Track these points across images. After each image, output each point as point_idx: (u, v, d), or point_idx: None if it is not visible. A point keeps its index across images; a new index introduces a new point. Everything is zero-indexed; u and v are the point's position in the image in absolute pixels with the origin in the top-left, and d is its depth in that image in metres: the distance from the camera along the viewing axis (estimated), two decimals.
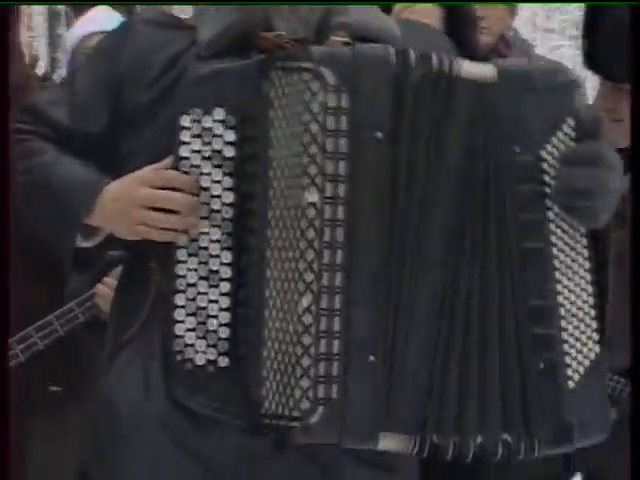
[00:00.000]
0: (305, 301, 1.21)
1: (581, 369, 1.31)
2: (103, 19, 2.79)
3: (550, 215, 1.29)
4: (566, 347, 1.29)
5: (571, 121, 1.30)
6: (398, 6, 2.19)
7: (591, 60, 2.07)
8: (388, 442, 1.24)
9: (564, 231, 1.30)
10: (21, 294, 1.54)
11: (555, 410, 1.28)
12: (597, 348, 1.33)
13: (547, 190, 1.28)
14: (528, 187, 1.28)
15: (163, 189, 1.26)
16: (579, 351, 1.31)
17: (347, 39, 1.31)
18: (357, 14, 1.36)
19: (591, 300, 1.32)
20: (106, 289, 1.98)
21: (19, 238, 1.41)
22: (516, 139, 1.28)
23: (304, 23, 1.34)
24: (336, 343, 1.21)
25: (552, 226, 1.29)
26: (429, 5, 2.15)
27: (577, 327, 1.31)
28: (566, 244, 1.30)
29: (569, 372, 1.30)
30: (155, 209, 1.26)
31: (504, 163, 1.28)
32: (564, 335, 1.29)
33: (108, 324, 1.42)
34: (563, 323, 1.30)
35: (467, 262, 1.27)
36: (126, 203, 1.28)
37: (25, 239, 1.53)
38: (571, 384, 1.30)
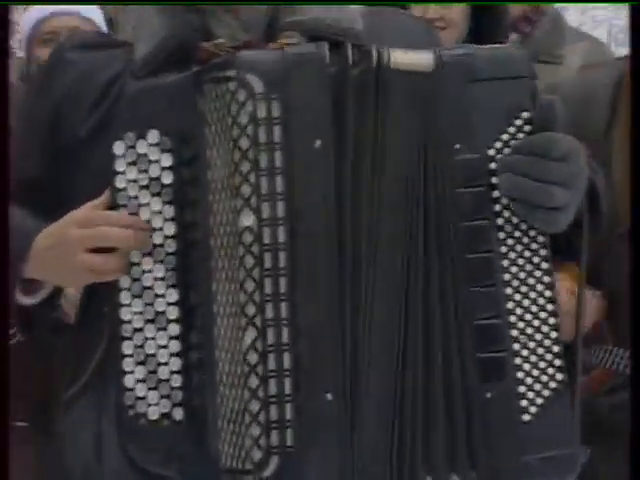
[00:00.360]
0: (248, 337, 1.06)
1: (539, 400, 1.12)
2: None
3: (499, 221, 1.12)
4: (520, 374, 1.11)
5: (525, 115, 1.13)
6: None
7: None
8: None
9: (517, 239, 1.13)
10: None
11: (507, 447, 1.10)
12: (559, 375, 1.13)
13: (495, 193, 1.11)
14: (472, 190, 1.12)
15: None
16: (536, 379, 1.12)
17: (295, 40, 1.16)
18: (314, 10, 1.21)
19: (552, 320, 1.13)
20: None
21: None
22: (458, 136, 1.12)
23: (248, 27, 1.21)
24: (287, 382, 1.06)
25: (502, 234, 1.12)
26: None
27: (533, 351, 1.12)
28: (520, 255, 1.13)
29: (523, 403, 1.11)
30: (94, 250, 1.13)
31: (443, 163, 1.12)
32: (517, 360, 1.11)
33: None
34: (516, 346, 1.11)
35: (413, 280, 1.11)
36: (61, 249, 1.15)
37: None
38: (526, 417, 1.11)
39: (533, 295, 1.14)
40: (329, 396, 1.07)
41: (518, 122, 1.12)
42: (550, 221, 1.10)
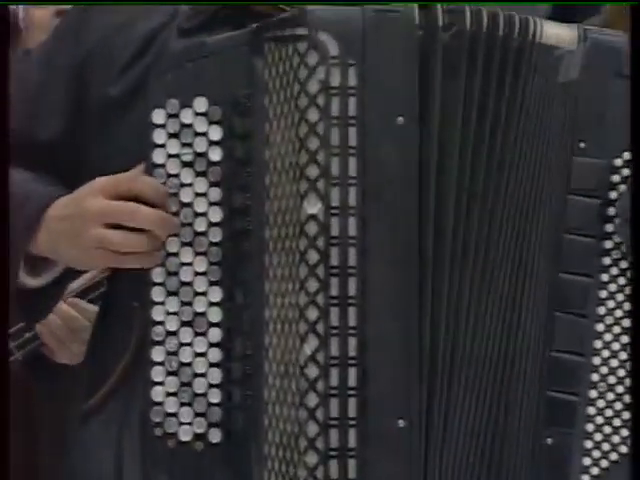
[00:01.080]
0: (308, 348, 0.90)
1: (603, 462, 0.99)
2: None
3: (607, 244, 1.01)
4: (590, 427, 0.99)
5: None
6: None
7: None
8: None
9: (622, 270, 1.02)
10: None
11: None
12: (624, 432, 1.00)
13: (611, 211, 1.00)
14: (585, 200, 1.00)
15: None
16: (606, 437, 0.99)
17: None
18: None
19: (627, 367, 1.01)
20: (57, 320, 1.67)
21: None
22: (586, 133, 0.99)
23: None
24: (351, 403, 0.90)
25: (607, 260, 1.01)
26: None
27: (611, 404, 1.00)
28: (621, 289, 1.02)
29: (586, 461, 0.99)
30: (115, 227, 0.96)
31: (561, 160, 0.98)
32: (590, 410, 0.99)
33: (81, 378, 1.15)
34: (593, 393, 0.99)
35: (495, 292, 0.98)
36: (77, 221, 0.98)
37: None
38: (585, 478, 0.99)
39: (625, 339, 1.00)
40: (401, 422, 0.91)
41: None
42: None
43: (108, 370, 1.04)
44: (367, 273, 0.90)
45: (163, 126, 0.96)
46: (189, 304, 0.96)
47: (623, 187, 0.98)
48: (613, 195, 0.98)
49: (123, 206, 0.95)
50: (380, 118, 0.91)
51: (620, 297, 0.99)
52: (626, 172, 0.98)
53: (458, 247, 0.94)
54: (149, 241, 0.95)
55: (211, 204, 0.96)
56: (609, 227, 0.99)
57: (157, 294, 0.96)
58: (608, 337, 1.00)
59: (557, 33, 0.98)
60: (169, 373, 0.96)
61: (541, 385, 0.98)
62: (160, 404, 0.95)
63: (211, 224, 0.96)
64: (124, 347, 1.02)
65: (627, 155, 0.98)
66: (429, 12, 0.93)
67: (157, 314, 0.96)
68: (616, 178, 0.99)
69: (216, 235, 0.96)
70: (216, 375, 0.95)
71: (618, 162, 0.99)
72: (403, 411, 0.91)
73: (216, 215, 0.96)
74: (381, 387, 0.90)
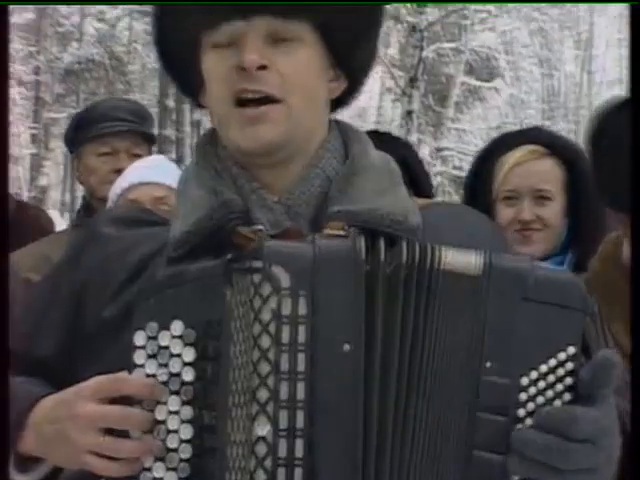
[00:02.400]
0: None
1: None
2: (162, 168, 2.54)
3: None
4: None
5: (572, 350, 1.02)
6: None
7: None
8: None
9: None
10: None
11: None
12: None
13: (517, 427, 1.01)
14: (491, 418, 1.01)
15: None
16: None
17: (341, 231, 1.06)
18: (367, 199, 1.13)
19: None
20: None
21: None
22: (492, 353, 1.01)
23: (293, 213, 1.14)
24: None
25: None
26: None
27: None
28: None
29: None
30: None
31: (468, 380, 1.01)
32: None
33: None
34: None
35: None
36: (68, 424, 1.04)
37: None
38: None
39: None
40: None
41: (562, 356, 1.01)
42: None
43: None
44: None
45: (143, 347, 1.04)
46: None
47: (530, 405, 1.00)
48: (521, 413, 0.99)
49: (116, 410, 1.02)
50: (327, 345, 0.96)
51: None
52: (533, 391, 1.00)
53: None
54: (139, 447, 1.01)
55: (182, 422, 1.01)
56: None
57: None
58: None
59: (465, 261, 1.02)
60: None
61: None
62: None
63: (182, 441, 1.01)
64: None
65: (534, 374, 1.00)
66: (374, 249, 1.00)
67: None
68: (523, 396, 1.00)
69: (185, 451, 1.01)
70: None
71: (524, 381, 1.00)
72: None
73: (187, 433, 1.01)
74: None
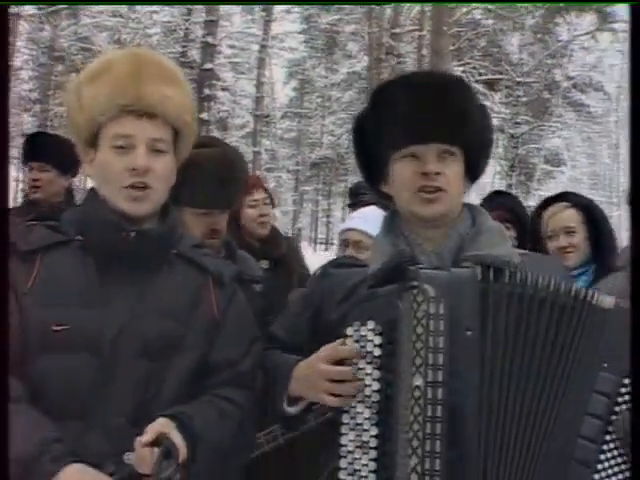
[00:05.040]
0: (412, 462, 1.59)
1: None
2: (368, 219, 3.25)
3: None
4: None
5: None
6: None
7: None
8: None
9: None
10: None
11: None
12: None
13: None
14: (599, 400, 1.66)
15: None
16: None
17: (469, 266, 1.71)
18: (486, 246, 1.78)
19: None
20: None
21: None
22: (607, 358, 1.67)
23: (442, 258, 1.79)
24: None
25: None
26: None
27: None
28: None
29: None
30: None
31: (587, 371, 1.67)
32: None
33: None
34: None
35: None
36: (313, 377, 1.78)
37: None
38: None
39: None
40: None
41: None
42: None
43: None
44: (451, 420, 1.59)
45: (351, 335, 1.74)
46: (359, 436, 1.70)
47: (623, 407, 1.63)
48: (619, 400, 1.64)
49: (339, 369, 1.75)
50: (457, 331, 1.61)
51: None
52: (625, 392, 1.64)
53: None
54: (350, 389, 1.72)
55: (373, 380, 1.70)
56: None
57: (344, 429, 1.72)
58: None
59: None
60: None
61: None
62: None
63: (373, 391, 1.70)
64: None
65: (627, 381, 1.64)
66: (486, 275, 1.67)
67: (343, 440, 1.72)
68: (623, 390, 1.65)
69: (375, 397, 1.69)
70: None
71: (626, 381, 1.63)
72: None
73: (375, 385, 1.70)
74: None
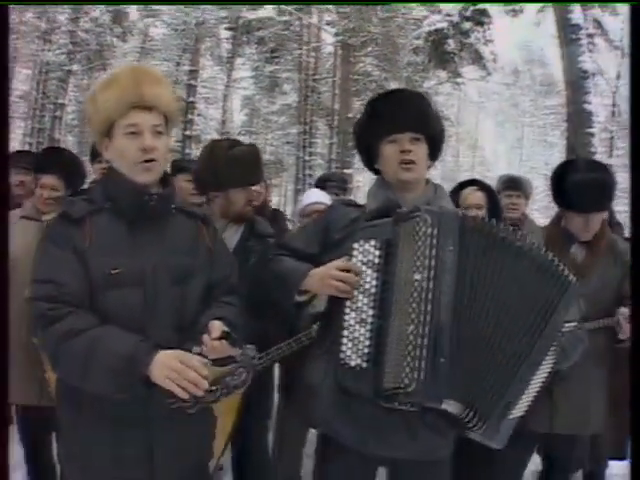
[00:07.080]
0: (411, 328, 2.30)
1: None
2: (321, 195, 4.58)
3: None
4: None
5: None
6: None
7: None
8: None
9: None
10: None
11: None
12: None
13: None
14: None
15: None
16: None
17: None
18: (446, 206, 2.60)
19: None
20: None
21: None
22: None
23: (414, 207, 2.55)
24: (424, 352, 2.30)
25: None
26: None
27: None
28: None
29: None
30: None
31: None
32: None
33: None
34: None
35: None
36: (324, 276, 2.45)
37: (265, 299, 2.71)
38: None
39: None
40: (442, 359, 2.30)
41: None
42: None
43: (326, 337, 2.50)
44: (438, 307, 2.32)
45: (357, 249, 2.44)
46: (361, 320, 2.37)
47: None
48: None
49: (344, 274, 2.43)
50: (444, 246, 2.36)
51: None
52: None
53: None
54: (354, 283, 2.40)
55: (373, 279, 2.40)
56: None
57: (348, 311, 2.39)
58: None
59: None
60: (350, 340, 2.36)
61: None
62: (345, 352, 2.37)
63: (373, 285, 2.39)
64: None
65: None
66: (464, 214, 2.47)
67: (346, 319, 2.38)
68: None
69: (373, 292, 2.39)
70: (368, 344, 2.36)
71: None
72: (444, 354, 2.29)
73: (375, 284, 2.39)
74: (440, 345, 2.29)
